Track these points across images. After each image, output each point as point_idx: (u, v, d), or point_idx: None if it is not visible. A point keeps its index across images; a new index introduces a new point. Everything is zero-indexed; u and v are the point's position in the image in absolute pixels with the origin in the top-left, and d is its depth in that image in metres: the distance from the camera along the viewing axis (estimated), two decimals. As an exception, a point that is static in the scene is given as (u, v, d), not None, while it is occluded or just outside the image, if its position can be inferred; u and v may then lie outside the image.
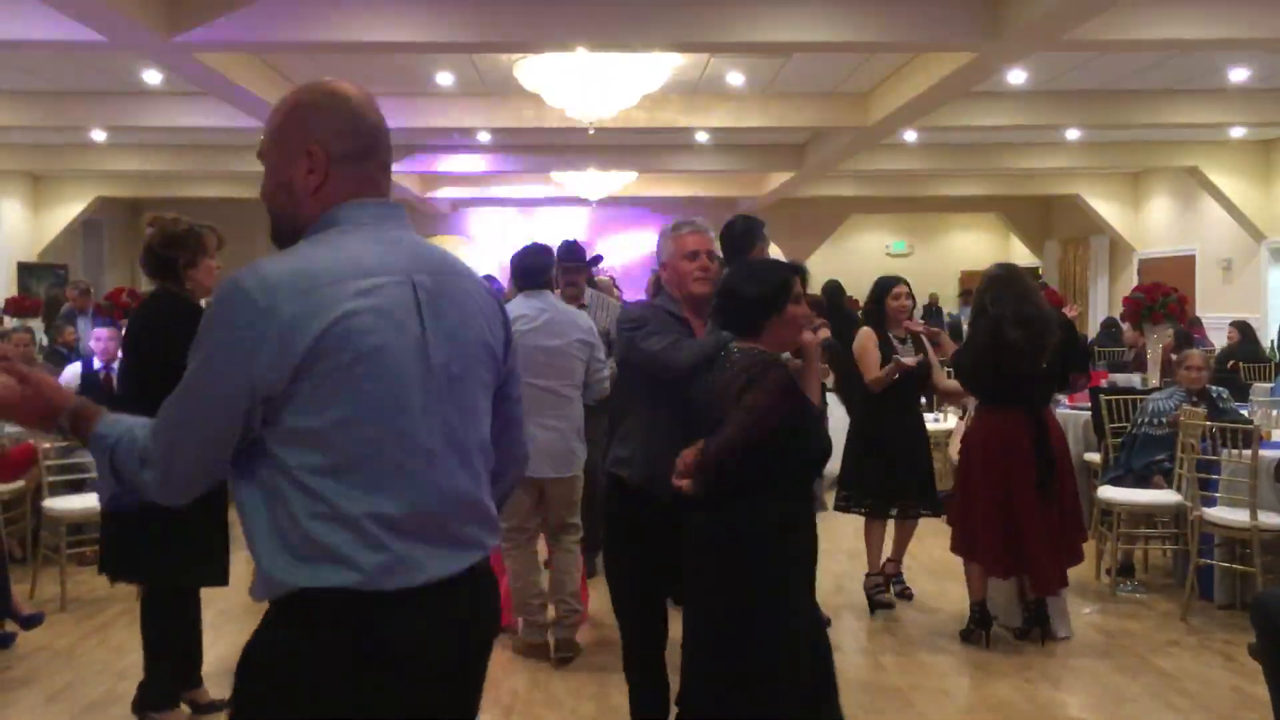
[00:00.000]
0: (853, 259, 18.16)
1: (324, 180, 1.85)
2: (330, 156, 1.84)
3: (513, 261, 5.07)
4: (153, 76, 9.65)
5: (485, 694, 2.03)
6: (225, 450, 1.75)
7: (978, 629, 5.20)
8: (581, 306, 5.66)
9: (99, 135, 12.64)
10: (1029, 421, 5.05)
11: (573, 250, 6.09)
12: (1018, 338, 4.94)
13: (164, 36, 7.28)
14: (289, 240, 1.88)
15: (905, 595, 5.99)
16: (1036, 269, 19.41)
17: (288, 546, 1.73)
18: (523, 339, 4.76)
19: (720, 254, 3.86)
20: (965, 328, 6.06)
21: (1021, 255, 20.01)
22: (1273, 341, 12.21)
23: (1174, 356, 7.49)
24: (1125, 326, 10.03)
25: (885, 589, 5.88)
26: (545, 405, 4.79)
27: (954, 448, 6.87)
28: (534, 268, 4.99)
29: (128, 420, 1.84)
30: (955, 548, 5.27)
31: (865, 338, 5.66)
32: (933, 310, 18.62)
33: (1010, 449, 5.02)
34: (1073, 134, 12.58)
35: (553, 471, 4.87)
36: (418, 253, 1.88)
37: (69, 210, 16.09)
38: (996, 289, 5.09)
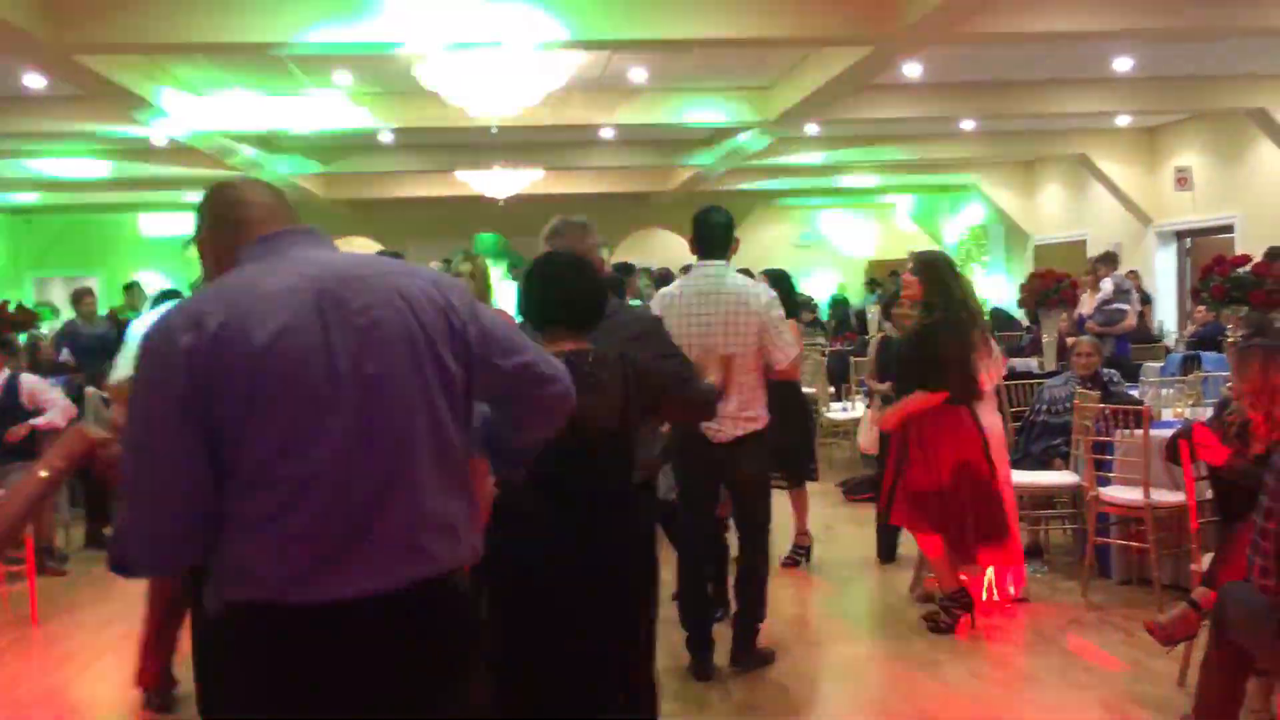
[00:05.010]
0: (763, 250, 18.30)
1: (214, 261, 2.12)
2: (207, 241, 2.15)
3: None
4: (35, 81, 9.29)
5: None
6: None
7: (962, 611, 5.20)
8: None
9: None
10: (970, 410, 5.19)
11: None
12: (969, 324, 5.12)
13: (46, 38, 7.02)
14: None
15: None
16: (938, 256, 19.78)
17: None
18: None
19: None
20: (877, 318, 6.21)
21: (923, 244, 20.40)
22: (1160, 323, 12.67)
23: (1069, 341, 7.74)
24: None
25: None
26: None
27: (863, 437, 6.94)
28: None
29: None
30: (968, 558, 5.27)
31: None
32: (839, 299, 18.88)
33: (974, 439, 5.14)
34: (967, 124, 12.86)
35: None
36: (325, 263, 1.99)
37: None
38: (956, 278, 5.20)
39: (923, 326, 5.18)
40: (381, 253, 5.19)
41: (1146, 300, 11.94)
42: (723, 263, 4.70)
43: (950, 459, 5.10)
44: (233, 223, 2.10)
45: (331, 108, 10.90)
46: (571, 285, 3.09)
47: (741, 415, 4.58)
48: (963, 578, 5.28)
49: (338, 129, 11.34)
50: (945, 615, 5.21)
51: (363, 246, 5.20)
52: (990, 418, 5.59)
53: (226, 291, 1.92)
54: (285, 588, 1.82)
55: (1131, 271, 12.30)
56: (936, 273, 5.16)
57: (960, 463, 5.10)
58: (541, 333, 3.07)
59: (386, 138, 13.00)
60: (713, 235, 4.69)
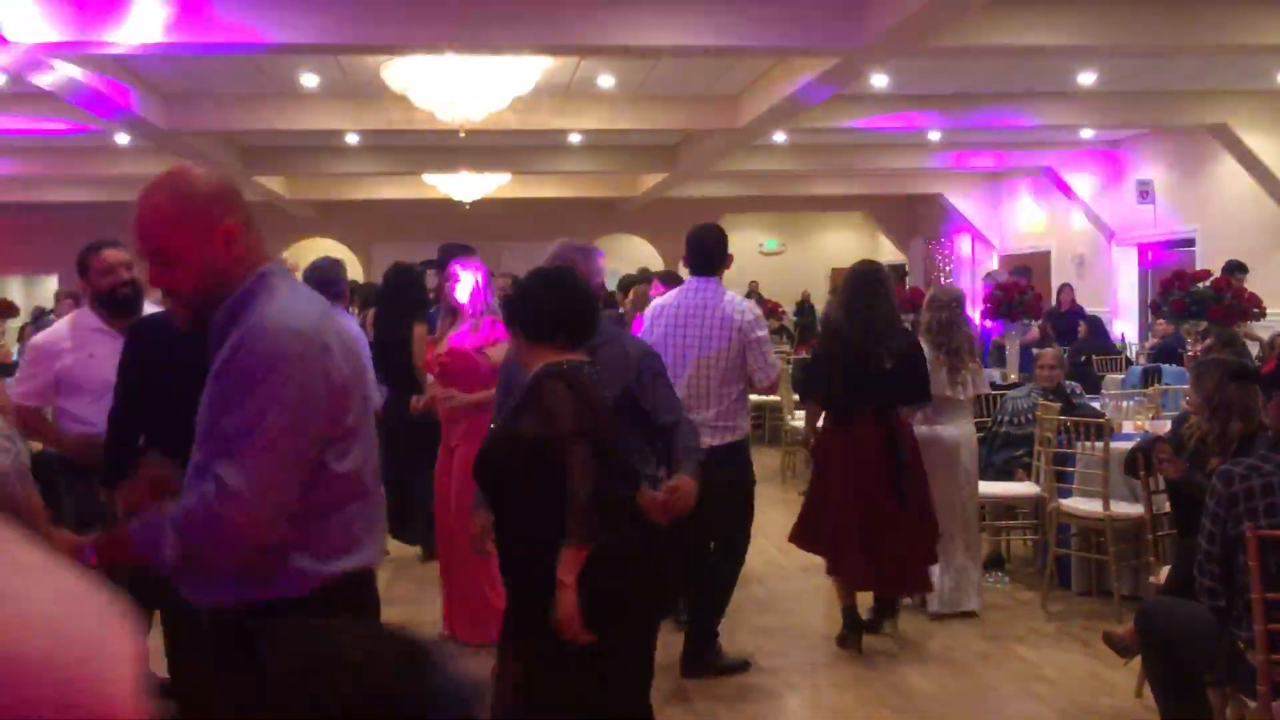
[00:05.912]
0: (727, 258, 18.33)
1: (245, 250, 2.12)
2: (241, 229, 2.12)
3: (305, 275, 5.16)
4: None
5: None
6: None
7: (850, 633, 5.14)
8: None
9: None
10: (880, 429, 5.01)
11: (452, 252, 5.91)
12: (854, 336, 5.02)
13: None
14: (205, 316, 2.13)
15: None
16: (903, 266, 19.97)
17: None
18: None
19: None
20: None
21: (889, 253, 20.55)
22: (1123, 335, 12.79)
23: (1035, 351, 7.78)
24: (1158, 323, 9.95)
25: None
26: None
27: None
28: (323, 281, 5.08)
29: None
30: (829, 565, 5.22)
31: None
32: (805, 306, 18.96)
33: (865, 460, 4.98)
34: (934, 135, 12.94)
35: None
36: None
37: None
38: (849, 288, 5.20)
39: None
40: (325, 259, 5.28)
41: (1080, 315, 12.04)
42: (714, 280, 4.86)
43: (840, 473, 5.04)
44: (257, 229, 2.21)
45: (297, 109, 10.82)
46: (570, 298, 3.05)
47: (718, 424, 4.66)
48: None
49: (304, 129, 11.24)
50: (843, 629, 5.20)
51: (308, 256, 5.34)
52: (964, 428, 5.63)
53: (303, 287, 2.29)
54: (374, 555, 2.25)
55: (1065, 285, 12.41)
56: (861, 283, 5.17)
57: (850, 478, 5.01)
58: (542, 345, 2.98)
59: (353, 140, 12.93)
60: (706, 253, 4.87)
